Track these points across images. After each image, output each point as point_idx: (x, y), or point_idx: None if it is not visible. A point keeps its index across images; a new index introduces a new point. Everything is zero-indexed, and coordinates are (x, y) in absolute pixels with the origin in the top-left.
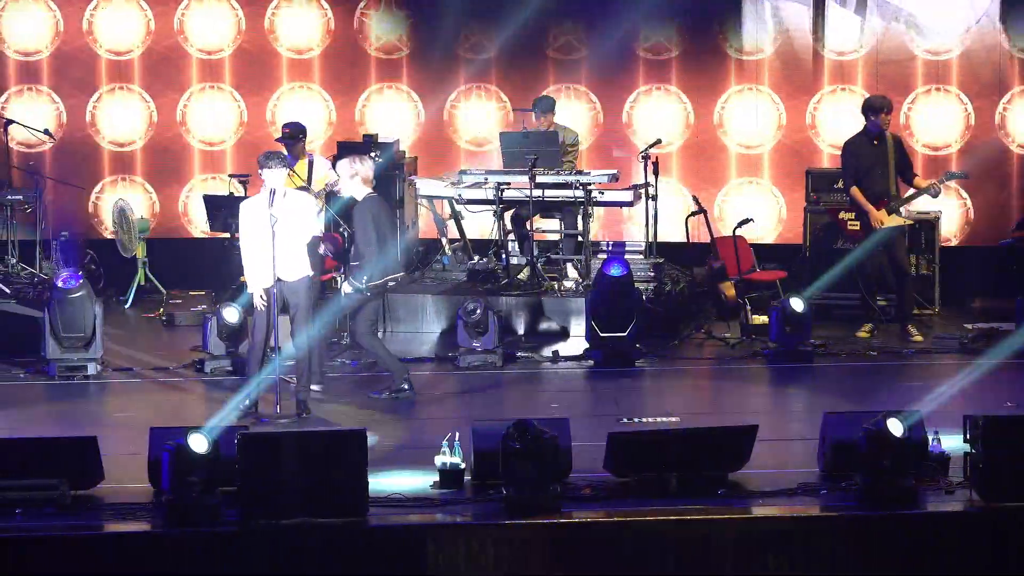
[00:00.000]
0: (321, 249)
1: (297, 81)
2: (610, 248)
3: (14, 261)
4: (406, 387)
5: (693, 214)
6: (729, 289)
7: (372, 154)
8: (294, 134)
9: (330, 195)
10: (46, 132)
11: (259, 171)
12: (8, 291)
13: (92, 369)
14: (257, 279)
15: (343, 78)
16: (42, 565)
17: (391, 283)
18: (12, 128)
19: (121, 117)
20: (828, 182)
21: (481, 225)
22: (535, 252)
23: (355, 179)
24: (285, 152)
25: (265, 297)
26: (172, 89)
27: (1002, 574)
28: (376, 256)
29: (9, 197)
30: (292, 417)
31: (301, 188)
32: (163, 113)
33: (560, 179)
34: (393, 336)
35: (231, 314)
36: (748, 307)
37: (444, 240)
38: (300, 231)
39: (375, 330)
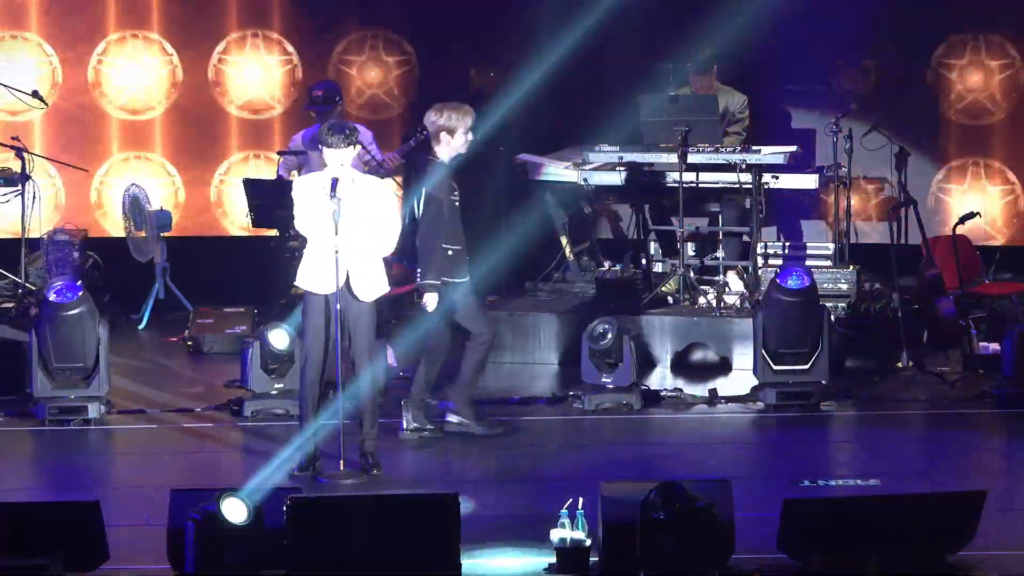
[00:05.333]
0: None
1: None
2: (787, 251)
3: None
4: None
5: (898, 206)
6: (947, 307)
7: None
8: (328, 97)
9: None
10: (35, 95)
11: (320, 147)
12: None
13: (94, 411)
14: (316, 283)
15: None
16: None
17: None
18: None
19: (133, 75)
20: None
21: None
22: (686, 256)
23: (455, 136)
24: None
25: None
26: (206, 39)
27: None
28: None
29: None
30: (360, 476)
31: None
32: (192, 70)
33: (720, 158)
34: (497, 368)
35: (279, 338)
36: (973, 331)
37: (565, 240)
38: (375, 233)
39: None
